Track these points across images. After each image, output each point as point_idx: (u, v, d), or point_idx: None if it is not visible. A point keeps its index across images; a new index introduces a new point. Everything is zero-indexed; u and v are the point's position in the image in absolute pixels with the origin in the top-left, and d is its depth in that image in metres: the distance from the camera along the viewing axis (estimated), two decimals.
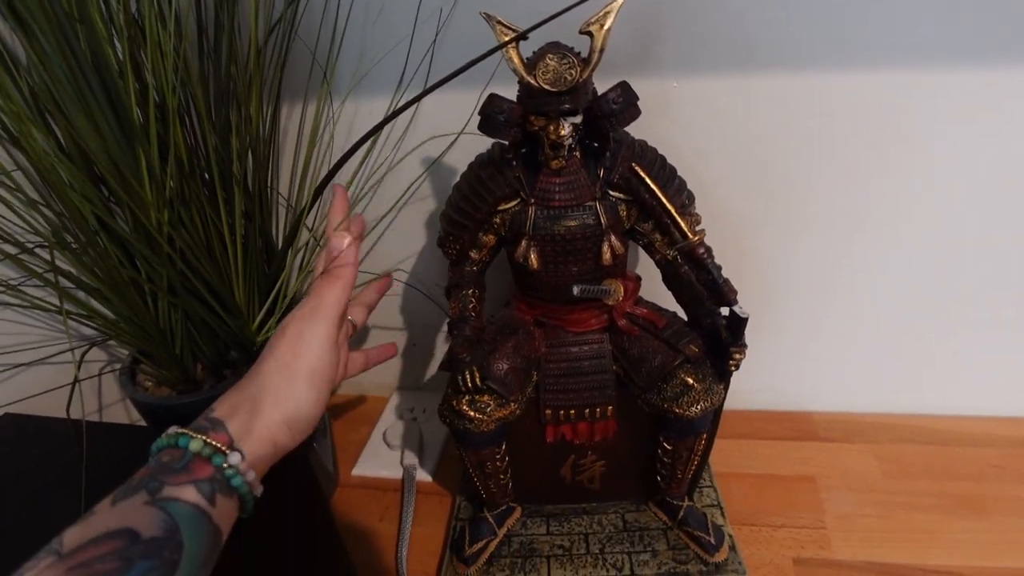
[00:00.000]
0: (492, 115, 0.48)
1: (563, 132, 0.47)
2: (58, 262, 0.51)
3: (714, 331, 0.52)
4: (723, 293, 0.51)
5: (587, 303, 0.55)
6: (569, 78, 0.45)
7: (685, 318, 0.56)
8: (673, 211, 0.50)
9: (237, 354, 0.61)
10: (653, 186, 0.49)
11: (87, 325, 0.58)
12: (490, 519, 0.62)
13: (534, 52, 0.45)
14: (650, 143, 0.53)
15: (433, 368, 0.86)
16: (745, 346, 0.50)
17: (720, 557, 0.58)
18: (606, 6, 0.44)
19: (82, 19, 0.44)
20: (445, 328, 0.79)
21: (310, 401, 0.41)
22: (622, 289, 0.54)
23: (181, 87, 0.51)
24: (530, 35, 0.44)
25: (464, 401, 0.54)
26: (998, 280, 0.66)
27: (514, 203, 0.52)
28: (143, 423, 0.62)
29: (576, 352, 0.56)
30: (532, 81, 0.45)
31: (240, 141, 0.56)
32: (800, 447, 0.72)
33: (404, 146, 0.67)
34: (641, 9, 0.56)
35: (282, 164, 0.68)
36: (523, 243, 0.51)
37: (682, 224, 0.50)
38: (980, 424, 0.72)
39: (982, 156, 0.60)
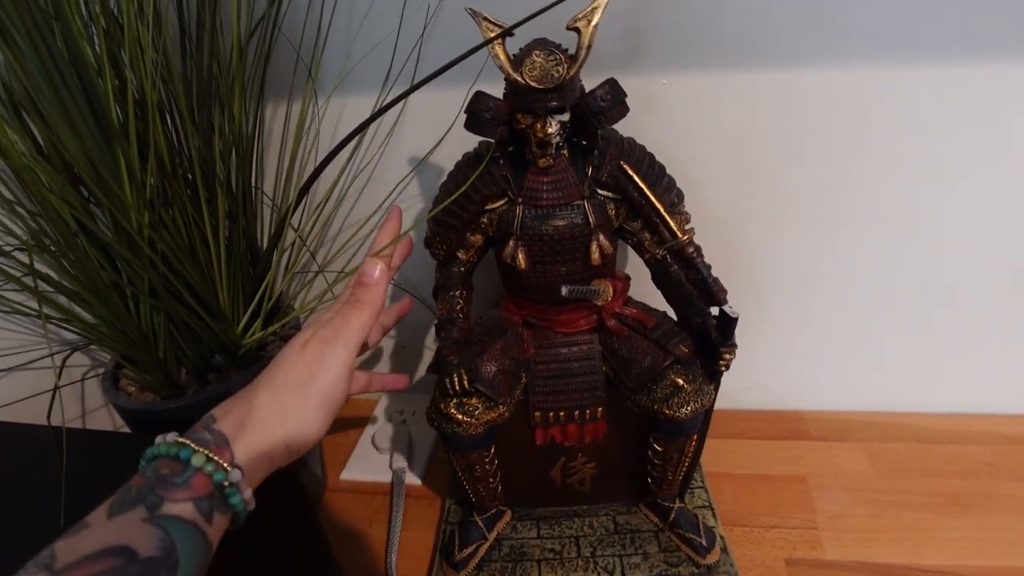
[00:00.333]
0: (478, 112, 0.47)
1: (550, 130, 0.46)
2: (37, 266, 0.50)
3: (704, 331, 0.52)
4: (713, 292, 0.50)
5: (576, 303, 0.54)
6: (556, 75, 0.44)
7: (675, 317, 0.56)
8: (662, 209, 0.49)
9: (222, 358, 0.60)
10: (642, 184, 0.49)
11: (68, 329, 0.57)
12: (480, 523, 0.61)
13: (521, 49, 0.45)
14: (638, 140, 0.52)
15: (422, 370, 0.85)
16: (735, 346, 0.50)
17: (712, 559, 0.58)
18: (593, 2, 0.43)
19: (58, 15, 0.43)
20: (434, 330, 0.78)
21: (316, 425, 0.41)
22: (611, 289, 0.54)
23: (162, 83, 0.50)
24: (516, 31, 0.44)
25: (452, 404, 0.53)
26: (984, 275, 0.66)
27: (501, 202, 0.51)
28: (127, 429, 0.61)
29: (565, 353, 0.55)
30: (518, 78, 0.45)
31: (223, 140, 0.55)
32: (791, 446, 0.72)
33: (391, 144, 0.67)
34: (628, 5, 0.55)
35: (267, 163, 0.67)
36: (511, 243, 0.51)
37: (671, 223, 0.50)
38: (972, 421, 0.72)
39: (965, 151, 0.60)
